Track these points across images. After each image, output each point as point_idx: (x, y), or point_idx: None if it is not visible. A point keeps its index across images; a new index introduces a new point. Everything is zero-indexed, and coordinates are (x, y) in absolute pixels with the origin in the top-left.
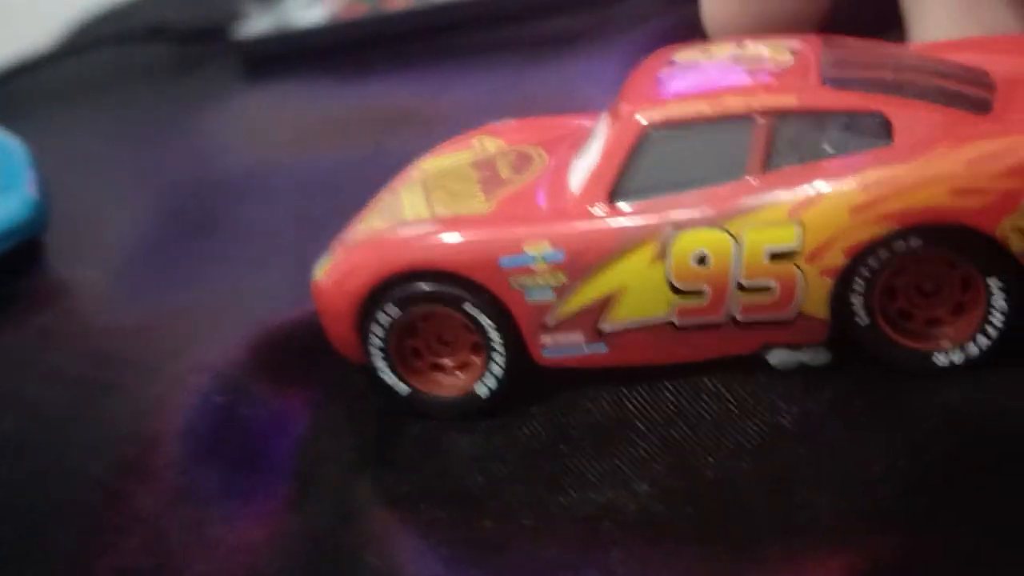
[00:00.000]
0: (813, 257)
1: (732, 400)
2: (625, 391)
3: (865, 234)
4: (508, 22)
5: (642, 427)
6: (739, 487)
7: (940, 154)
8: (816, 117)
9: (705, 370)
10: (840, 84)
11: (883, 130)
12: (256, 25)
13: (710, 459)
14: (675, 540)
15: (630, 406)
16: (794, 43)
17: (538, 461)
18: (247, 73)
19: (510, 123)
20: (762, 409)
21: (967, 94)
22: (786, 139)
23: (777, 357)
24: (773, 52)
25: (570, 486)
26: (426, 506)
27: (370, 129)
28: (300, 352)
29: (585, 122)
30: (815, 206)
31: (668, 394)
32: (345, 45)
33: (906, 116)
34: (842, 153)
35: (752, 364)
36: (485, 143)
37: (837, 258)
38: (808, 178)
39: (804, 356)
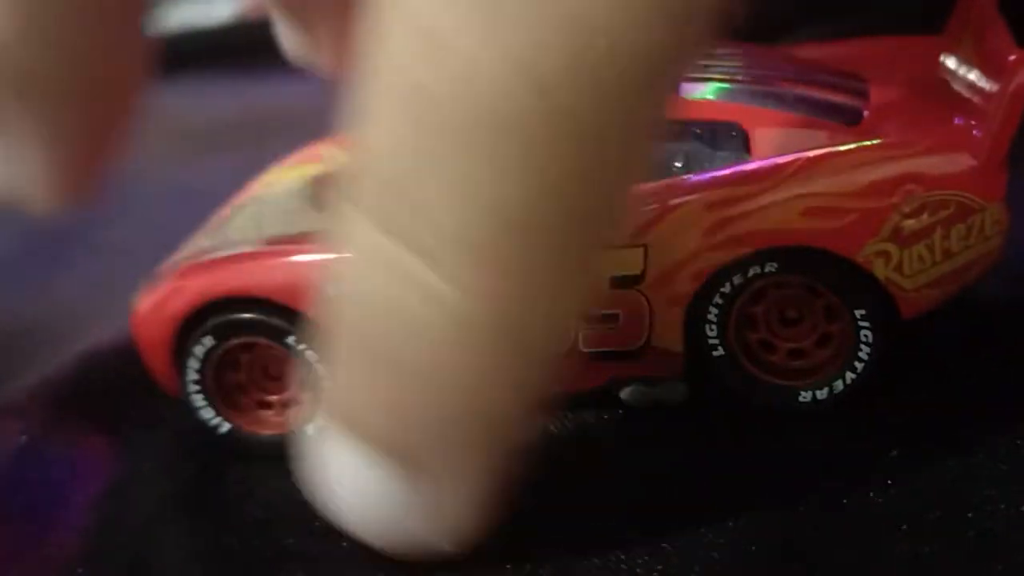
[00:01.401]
0: (660, 283)
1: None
2: None
3: (716, 258)
4: None
5: None
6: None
7: (795, 170)
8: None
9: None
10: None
11: (740, 144)
12: (163, 23)
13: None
14: None
15: None
16: None
17: None
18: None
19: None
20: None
21: (835, 103)
22: None
23: (629, 393)
24: None
25: None
26: (237, 562)
27: (259, 135)
28: (124, 385)
29: None
30: (660, 227)
31: None
32: (249, 45)
33: (764, 128)
34: (694, 169)
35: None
36: (336, 155)
37: (686, 284)
38: (655, 196)
39: (658, 392)
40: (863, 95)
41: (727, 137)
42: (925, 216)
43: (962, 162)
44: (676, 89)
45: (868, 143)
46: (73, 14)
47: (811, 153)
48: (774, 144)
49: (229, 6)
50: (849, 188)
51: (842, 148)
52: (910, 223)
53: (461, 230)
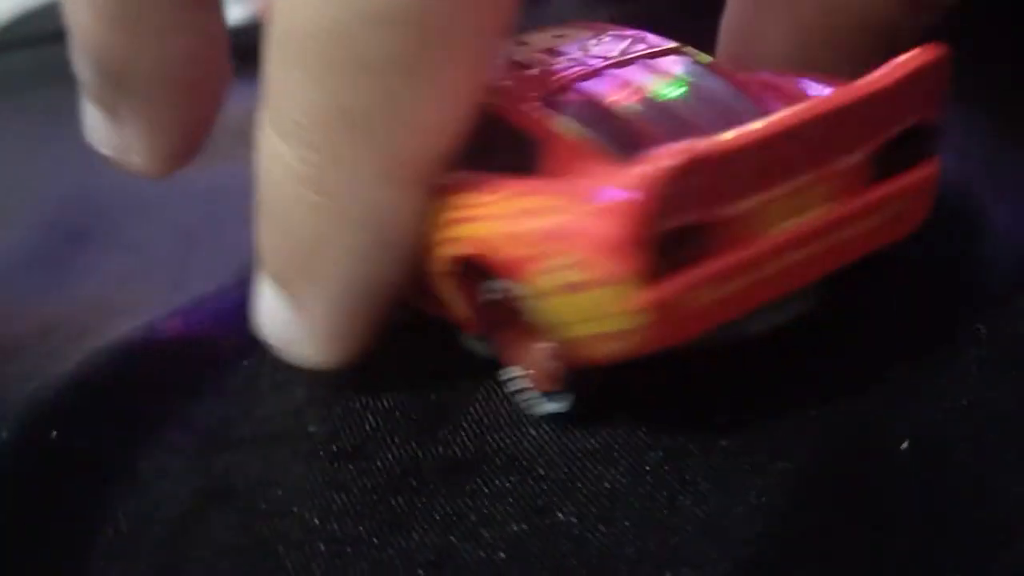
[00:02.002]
0: None
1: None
2: (488, 424)
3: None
4: None
5: (500, 464)
6: (590, 536)
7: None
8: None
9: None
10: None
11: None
12: None
13: (564, 506)
14: None
15: (491, 441)
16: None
17: (384, 496)
18: None
19: None
20: (627, 454)
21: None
22: None
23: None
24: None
25: (413, 527)
26: (267, 552)
27: None
28: (150, 381)
29: None
30: None
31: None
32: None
33: (553, 146)
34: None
35: (631, 410)
36: None
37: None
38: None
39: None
40: (681, 124)
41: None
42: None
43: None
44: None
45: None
46: (161, 5)
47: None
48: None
49: (242, 8)
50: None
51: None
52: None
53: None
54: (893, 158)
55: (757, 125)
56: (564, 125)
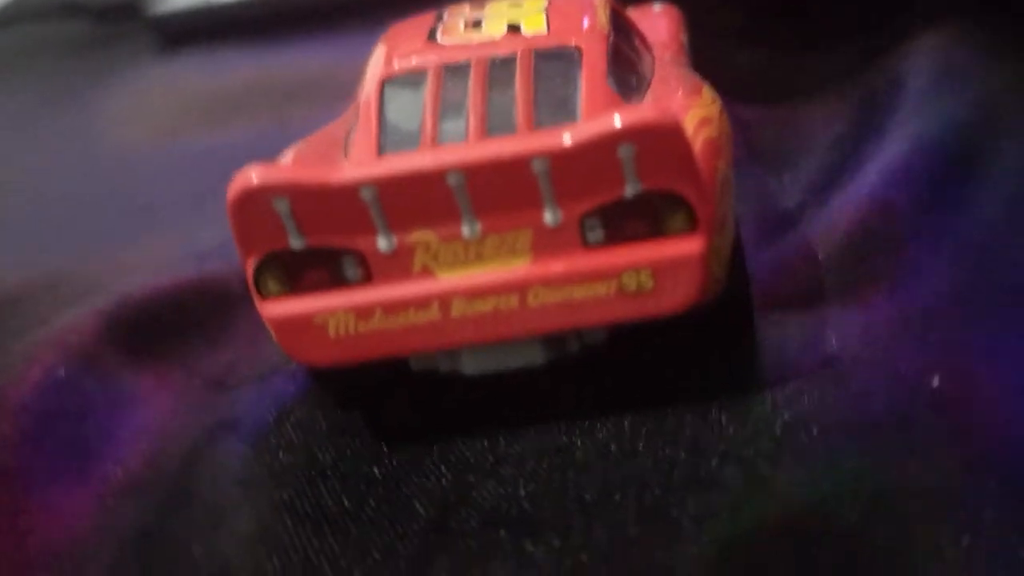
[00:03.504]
0: None
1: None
2: None
3: None
4: None
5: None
6: None
7: None
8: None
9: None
10: None
11: None
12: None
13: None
14: None
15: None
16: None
17: (397, 440)
18: (163, 48)
19: None
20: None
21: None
22: None
23: None
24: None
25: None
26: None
27: (280, 101)
28: (163, 329)
29: None
30: None
31: None
32: (266, 19)
33: None
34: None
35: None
36: None
37: None
38: None
39: None
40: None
41: None
42: None
43: None
44: None
45: None
46: None
47: None
48: None
49: None
50: None
51: None
52: None
53: None
54: (620, 226)
55: (395, 164)
56: None
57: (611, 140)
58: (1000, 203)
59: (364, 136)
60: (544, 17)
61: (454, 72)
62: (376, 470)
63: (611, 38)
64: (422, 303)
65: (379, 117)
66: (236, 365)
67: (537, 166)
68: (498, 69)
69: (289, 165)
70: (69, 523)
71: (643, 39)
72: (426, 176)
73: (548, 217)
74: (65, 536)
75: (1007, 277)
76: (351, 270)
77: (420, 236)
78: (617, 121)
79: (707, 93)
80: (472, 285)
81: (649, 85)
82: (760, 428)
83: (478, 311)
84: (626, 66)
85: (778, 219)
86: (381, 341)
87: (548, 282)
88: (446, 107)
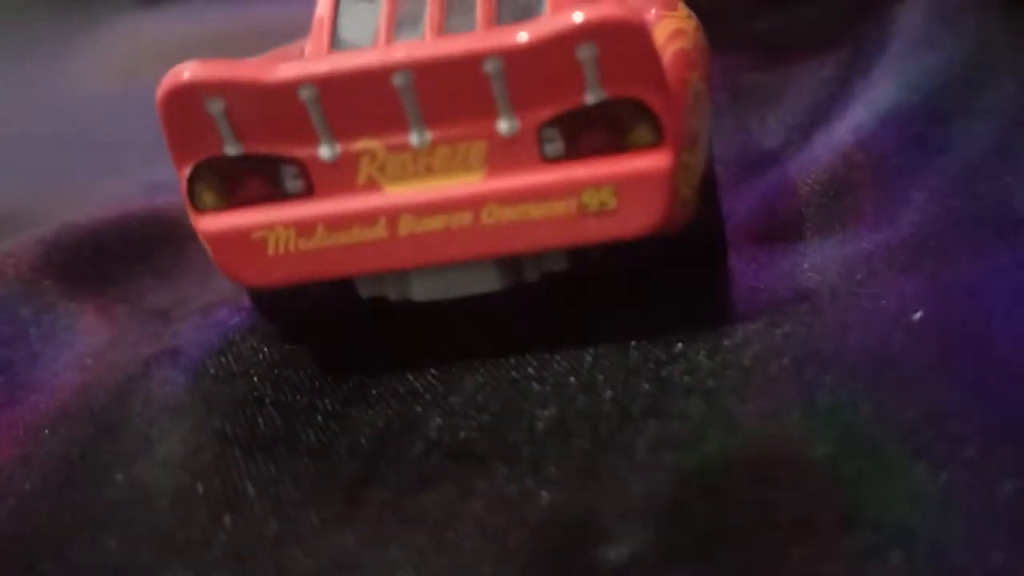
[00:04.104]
0: None
1: None
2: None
3: None
4: None
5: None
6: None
7: None
8: None
9: None
10: None
11: None
12: None
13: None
14: None
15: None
16: None
17: (342, 374)
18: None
19: None
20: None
21: None
22: None
23: None
24: None
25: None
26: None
27: (255, 48)
28: (107, 260)
29: None
30: None
31: None
32: None
33: None
34: None
35: None
36: None
37: None
38: None
39: None
40: None
41: None
42: None
43: None
44: None
45: None
46: None
47: None
48: None
49: None
50: None
51: None
52: None
53: None
54: (580, 137)
55: (336, 62)
56: None
57: (570, 38)
58: (986, 141)
59: (317, 41)
60: None
61: None
62: (318, 400)
63: None
64: (367, 219)
65: (332, 29)
66: (184, 300)
67: (490, 66)
68: None
69: (228, 61)
70: None
71: None
72: (370, 75)
73: (503, 126)
74: None
75: (991, 211)
76: (291, 181)
77: (365, 144)
78: (577, 17)
79: (683, 8)
80: (421, 200)
81: None
82: (728, 360)
83: (428, 229)
84: None
85: (760, 157)
86: (324, 261)
87: (503, 199)
88: (403, 15)
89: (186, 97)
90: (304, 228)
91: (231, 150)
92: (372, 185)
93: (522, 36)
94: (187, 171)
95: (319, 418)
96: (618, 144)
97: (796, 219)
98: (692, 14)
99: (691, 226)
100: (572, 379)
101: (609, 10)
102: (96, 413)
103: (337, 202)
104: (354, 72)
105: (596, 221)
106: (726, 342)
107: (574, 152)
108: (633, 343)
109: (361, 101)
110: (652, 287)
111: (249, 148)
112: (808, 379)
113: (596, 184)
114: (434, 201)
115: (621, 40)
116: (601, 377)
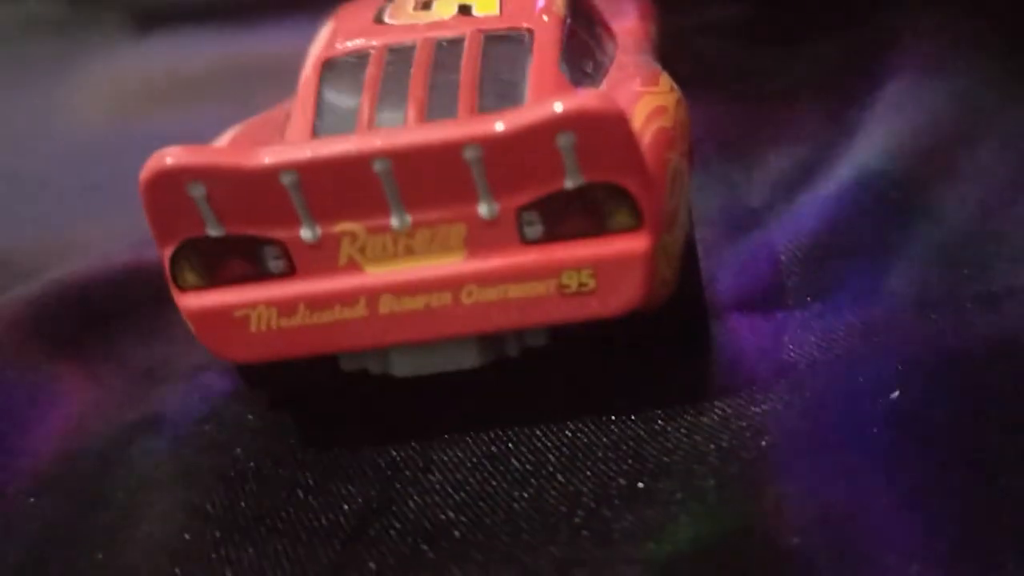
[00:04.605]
0: None
1: None
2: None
3: None
4: None
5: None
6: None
7: None
8: None
9: None
10: None
11: None
12: None
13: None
14: None
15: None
16: None
17: (326, 444)
18: (134, 29)
19: None
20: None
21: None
22: None
23: None
24: None
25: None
26: (185, 491)
27: (246, 83)
28: (93, 318)
29: None
30: None
31: None
32: (237, 2)
33: None
34: None
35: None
36: None
37: None
38: None
39: None
40: None
41: None
42: None
43: None
44: None
45: None
46: None
47: None
48: None
49: None
50: None
51: None
52: None
53: None
54: (560, 220)
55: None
56: None
57: (549, 127)
58: (973, 209)
59: (300, 119)
60: None
61: (397, 54)
62: (298, 474)
63: (567, 22)
64: (348, 299)
65: (316, 100)
66: (170, 360)
67: (469, 154)
68: (444, 52)
69: (209, 147)
70: None
71: (605, 25)
72: (350, 162)
73: (483, 210)
74: None
75: (974, 286)
76: (273, 261)
77: (346, 227)
78: (556, 107)
79: (665, 81)
80: (402, 281)
81: (606, 72)
82: (707, 438)
83: (408, 309)
84: (582, 52)
85: (744, 217)
86: (305, 338)
87: (483, 280)
88: (387, 91)
89: (168, 182)
90: (285, 307)
91: (213, 231)
92: (353, 266)
93: (501, 125)
94: (169, 251)
95: (300, 493)
96: (597, 227)
97: (778, 287)
98: (675, 86)
99: (671, 301)
100: (552, 457)
101: (587, 100)
102: (80, 483)
103: (318, 282)
104: (335, 158)
105: (575, 301)
106: (705, 419)
107: (553, 235)
108: (613, 418)
109: (342, 186)
110: (633, 362)
111: (231, 229)
112: (785, 461)
113: (575, 266)
114: (414, 281)
115: (599, 128)
116: (580, 455)
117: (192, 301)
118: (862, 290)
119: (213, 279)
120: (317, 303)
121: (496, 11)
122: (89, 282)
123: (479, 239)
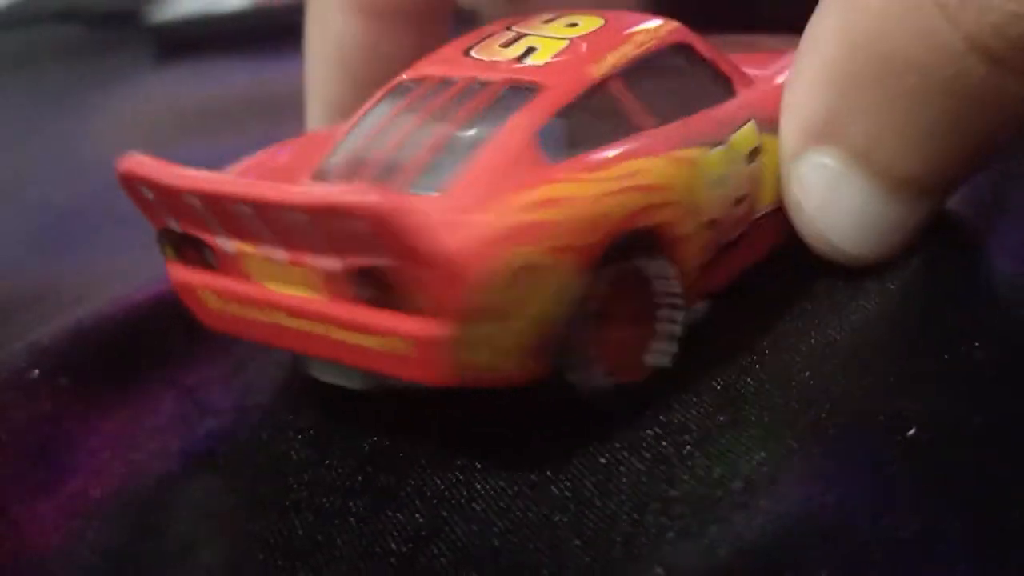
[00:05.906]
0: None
1: None
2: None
3: None
4: None
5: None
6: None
7: None
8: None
9: None
10: None
11: None
12: (177, 8)
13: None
14: None
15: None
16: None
17: (374, 473)
18: (159, 57)
19: None
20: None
21: None
22: None
23: None
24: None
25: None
26: (245, 522)
27: (273, 113)
28: (141, 345)
29: None
30: None
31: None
32: (263, 30)
33: None
34: None
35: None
36: None
37: None
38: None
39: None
40: None
41: None
42: None
43: None
44: None
45: None
46: None
47: None
48: None
49: None
50: None
51: None
52: None
53: None
54: (382, 288)
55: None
56: None
57: (333, 211)
58: None
59: (338, 135)
60: (566, 43)
61: (436, 90)
62: (349, 503)
63: (602, 81)
64: (257, 305)
65: (359, 118)
66: (212, 387)
67: (295, 217)
68: (462, 96)
69: (154, 161)
70: (34, 539)
71: (705, 91)
72: (221, 199)
73: (328, 264)
74: (29, 552)
75: None
76: (210, 257)
77: (245, 247)
78: (334, 195)
79: (633, 166)
80: (290, 303)
81: (626, 140)
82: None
83: (297, 328)
84: (611, 116)
85: None
86: (241, 325)
87: (334, 322)
88: (388, 126)
89: (128, 183)
90: (220, 295)
91: (172, 225)
92: (255, 278)
93: (307, 196)
94: (156, 232)
95: (352, 521)
96: (404, 303)
97: None
98: (624, 186)
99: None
100: (587, 482)
101: (355, 194)
102: (138, 508)
103: (234, 283)
104: (208, 193)
105: (400, 361)
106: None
107: (376, 300)
108: (644, 444)
109: (231, 215)
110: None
111: (182, 227)
112: None
113: (389, 333)
114: (296, 307)
115: (371, 220)
116: (615, 479)
117: (173, 273)
118: None
119: (182, 260)
120: (238, 300)
121: (548, 57)
122: (131, 312)
123: (331, 286)
